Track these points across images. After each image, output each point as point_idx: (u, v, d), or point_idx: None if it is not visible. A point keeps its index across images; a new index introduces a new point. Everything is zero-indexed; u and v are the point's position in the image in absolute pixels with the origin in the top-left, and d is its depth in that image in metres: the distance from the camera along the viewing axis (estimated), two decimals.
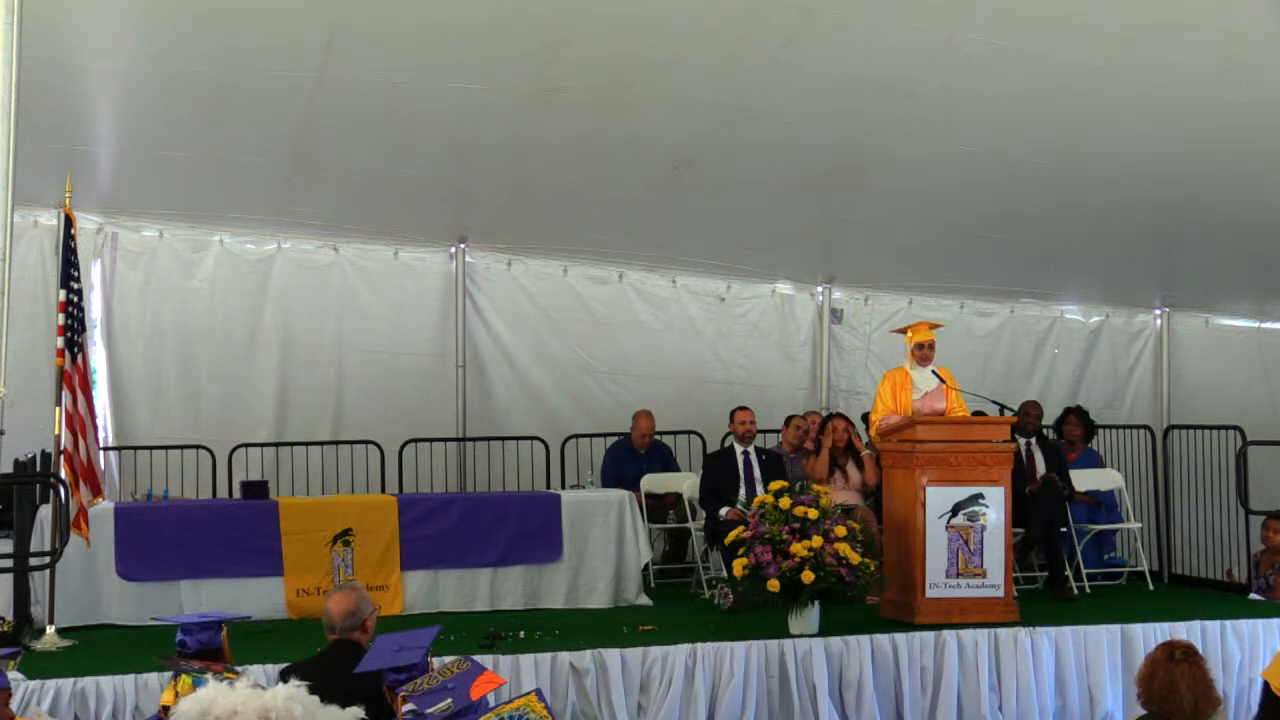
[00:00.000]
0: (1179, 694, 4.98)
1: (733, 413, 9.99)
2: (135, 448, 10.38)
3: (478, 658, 5.60)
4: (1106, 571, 10.49)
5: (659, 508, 10.65)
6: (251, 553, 8.63)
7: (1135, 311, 12.51)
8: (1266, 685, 5.00)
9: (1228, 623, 8.40)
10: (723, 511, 9.20)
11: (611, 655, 7.43)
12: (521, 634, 7.93)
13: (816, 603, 7.85)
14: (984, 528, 8.31)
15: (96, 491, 8.03)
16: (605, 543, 9.20)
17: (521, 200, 10.22)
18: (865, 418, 9.88)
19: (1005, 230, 10.35)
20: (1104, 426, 11.44)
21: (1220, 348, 12.44)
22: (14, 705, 6.27)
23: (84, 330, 8.05)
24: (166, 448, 10.36)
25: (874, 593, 8.38)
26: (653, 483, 10.51)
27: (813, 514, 7.88)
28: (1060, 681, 8.08)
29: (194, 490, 10.33)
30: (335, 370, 11.03)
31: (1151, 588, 10.18)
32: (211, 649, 5.19)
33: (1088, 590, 9.84)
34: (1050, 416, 11.03)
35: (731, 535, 8.23)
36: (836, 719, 7.64)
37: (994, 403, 9.21)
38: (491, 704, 4.60)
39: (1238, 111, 8.19)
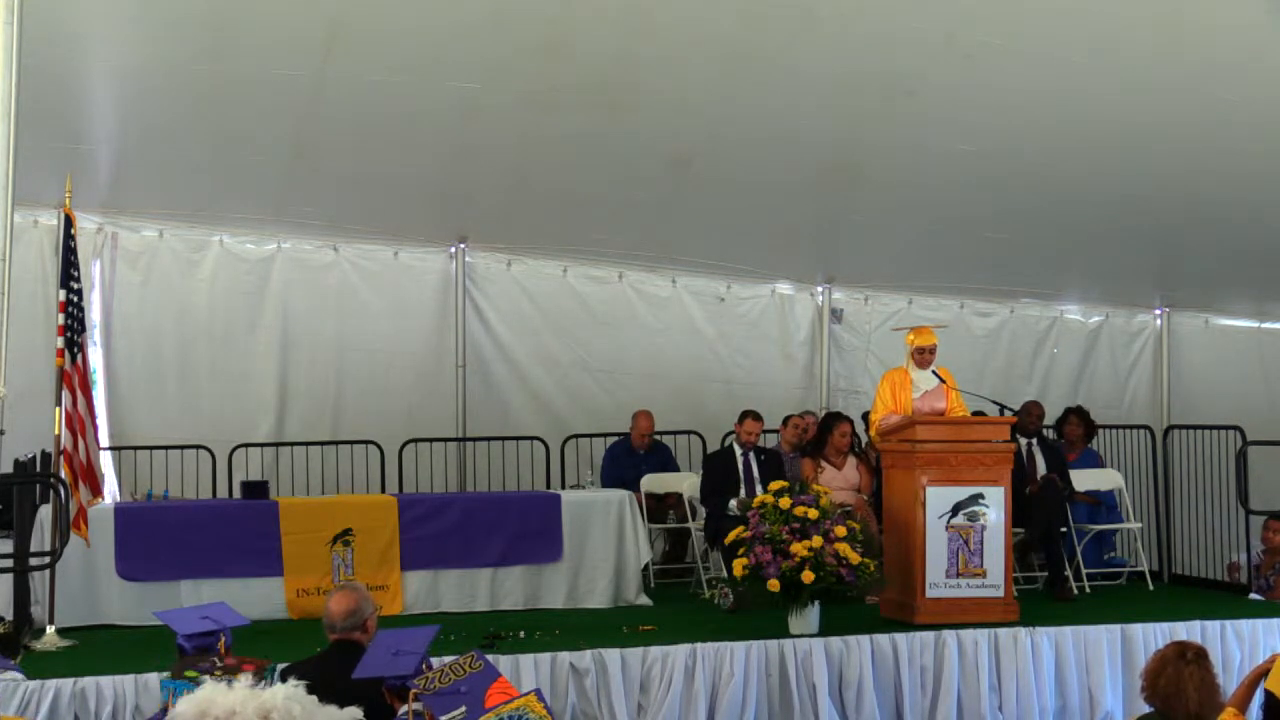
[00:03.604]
0: (1185, 694, 4.97)
1: (742, 416, 9.92)
2: (135, 448, 10.38)
3: None
4: (1106, 571, 10.49)
5: (659, 508, 10.64)
6: (251, 553, 8.63)
7: (1135, 311, 12.51)
8: (1269, 694, 4.99)
9: (1228, 623, 8.41)
10: (732, 503, 9.17)
11: (611, 655, 7.43)
12: (521, 634, 7.93)
13: (816, 603, 7.85)
14: (984, 528, 8.31)
15: (96, 491, 8.02)
16: (605, 543, 9.20)
17: (521, 200, 10.22)
18: (865, 417, 9.88)
19: (1005, 230, 10.35)
20: (1104, 426, 11.43)
21: (1220, 348, 12.44)
22: (14, 705, 6.28)
23: (84, 330, 8.05)
24: (166, 448, 10.36)
25: (874, 593, 8.38)
26: (653, 483, 10.51)
27: (813, 514, 7.87)
28: (1060, 681, 8.08)
29: (194, 490, 10.32)
30: (335, 370, 11.02)
31: (1151, 588, 10.18)
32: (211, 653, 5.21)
33: (1088, 590, 9.85)
34: (1050, 416, 11.02)
35: (731, 535, 8.23)
36: (836, 719, 7.64)
37: (994, 403, 9.20)
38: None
39: (1237, 111, 8.19)
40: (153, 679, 6.63)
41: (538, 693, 4.62)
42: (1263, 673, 5.11)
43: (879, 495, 9.38)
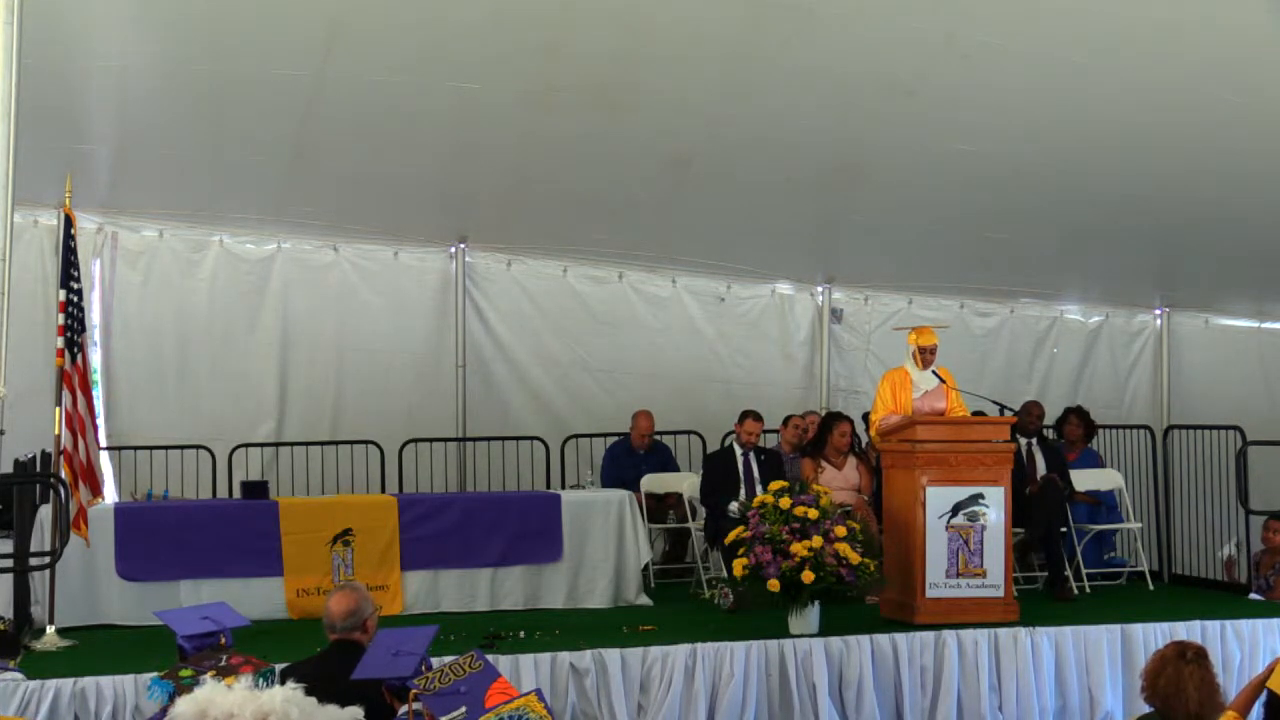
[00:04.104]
0: (1185, 694, 4.98)
1: (742, 417, 9.94)
2: (135, 448, 10.38)
3: None
4: (1106, 571, 10.49)
5: (659, 508, 10.64)
6: (251, 553, 8.62)
7: (1135, 311, 12.51)
8: (1271, 693, 5.00)
9: (1228, 623, 8.40)
10: (732, 506, 9.15)
11: (611, 655, 7.43)
12: (521, 634, 7.93)
13: (816, 603, 7.85)
14: (984, 528, 8.31)
15: (96, 491, 8.02)
16: (605, 543, 9.20)
17: (521, 200, 10.22)
18: (865, 418, 9.89)
19: (1005, 230, 10.35)
20: (1104, 426, 11.44)
21: (1220, 348, 12.44)
22: (14, 705, 6.29)
23: (84, 330, 8.05)
24: (166, 448, 10.36)
25: (874, 593, 8.38)
26: (653, 483, 10.50)
27: (813, 514, 7.87)
28: (1060, 681, 8.08)
29: (194, 490, 10.32)
30: (335, 370, 11.03)
31: (1151, 588, 10.18)
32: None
33: (1088, 590, 9.85)
34: (1050, 416, 11.02)
35: (731, 535, 8.23)
36: (836, 719, 7.64)
37: (994, 403, 9.21)
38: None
39: (1237, 111, 8.19)
40: (149, 679, 6.63)
41: (538, 693, 4.63)
42: (1264, 680, 5.12)
43: (879, 495, 9.38)
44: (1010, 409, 9.16)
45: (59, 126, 8.53)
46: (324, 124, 8.86)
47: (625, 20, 7.75)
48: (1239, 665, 8.26)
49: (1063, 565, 9.69)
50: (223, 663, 5.07)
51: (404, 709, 4.72)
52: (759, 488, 9.26)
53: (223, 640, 5.51)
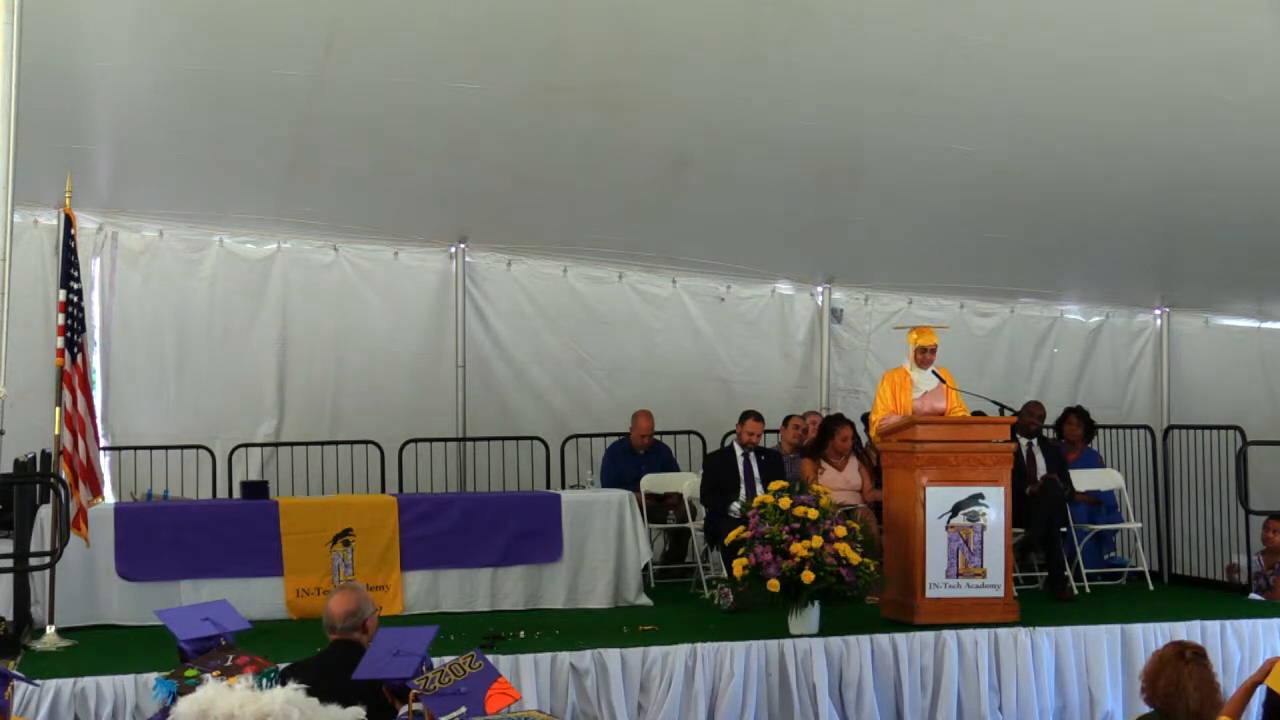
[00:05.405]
0: (1185, 693, 4.98)
1: (744, 417, 9.95)
2: (135, 448, 10.37)
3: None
4: (1106, 571, 10.49)
5: (659, 508, 10.64)
6: (251, 553, 8.62)
7: (1135, 311, 12.52)
8: (1270, 690, 5.00)
9: (1228, 623, 8.41)
10: (734, 506, 9.14)
11: (611, 655, 7.43)
12: (521, 634, 7.93)
13: (816, 603, 7.85)
14: (984, 528, 8.31)
15: (96, 491, 8.02)
16: (605, 543, 9.19)
17: (521, 200, 10.21)
18: (865, 418, 9.88)
19: (1005, 230, 10.35)
20: (1104, 426, 11.44)
21: (1220, 348, 12.45)
22: (14, 705, 6.27)
23: (84, 330, 8.05)
24: (166, 448, 10.36)
25: (874, 593, 8.39)
26: (653, 483, 10.50)
27: (813, 514, 7.88)
28: (1060, 681, 8.09)
29: (194, 490, 10.32)
30: (335, 370, 11.03)
31: (1151, 588, 10.18)
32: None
33: (1088, 590, 9.85)
34: (1050, 416, 11.03)
35: (731, 535, 8.23)
36: (836, 719, 7.64)
37: (994, 403, 9.21)
38: None
39: (1237, 111, 8.19)
40: (153, 679, 6.62)
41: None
42: (1257, 682, 5.12)
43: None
44: (1010, 409, 9.16)
45: (59, 126, 8.52)
46: (324, 124, 8.85)
47: (625, 20, 7.75)
48: (1239, 665, 8.26)
49: (1063, 565, 9.69)
50: (228, 662, 5.07)
51: (404, 709, 4.71)
52: (759, 488, 9.26)
53: (224, 641, 5.50)
